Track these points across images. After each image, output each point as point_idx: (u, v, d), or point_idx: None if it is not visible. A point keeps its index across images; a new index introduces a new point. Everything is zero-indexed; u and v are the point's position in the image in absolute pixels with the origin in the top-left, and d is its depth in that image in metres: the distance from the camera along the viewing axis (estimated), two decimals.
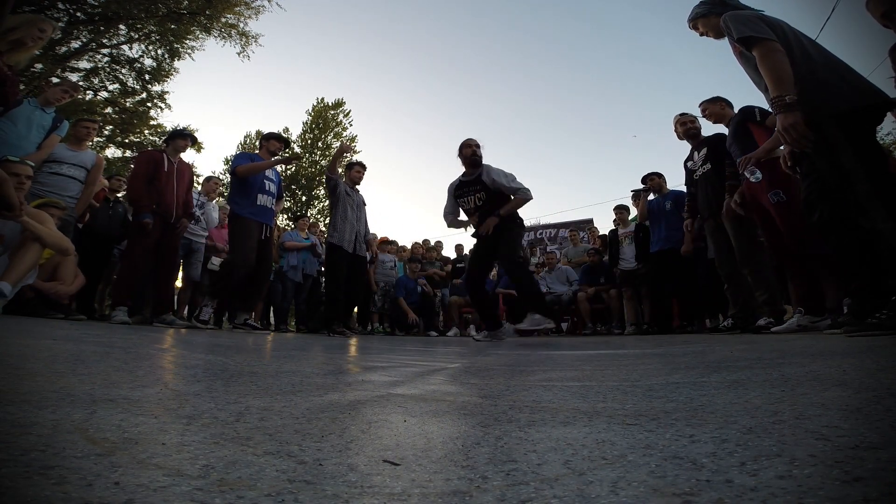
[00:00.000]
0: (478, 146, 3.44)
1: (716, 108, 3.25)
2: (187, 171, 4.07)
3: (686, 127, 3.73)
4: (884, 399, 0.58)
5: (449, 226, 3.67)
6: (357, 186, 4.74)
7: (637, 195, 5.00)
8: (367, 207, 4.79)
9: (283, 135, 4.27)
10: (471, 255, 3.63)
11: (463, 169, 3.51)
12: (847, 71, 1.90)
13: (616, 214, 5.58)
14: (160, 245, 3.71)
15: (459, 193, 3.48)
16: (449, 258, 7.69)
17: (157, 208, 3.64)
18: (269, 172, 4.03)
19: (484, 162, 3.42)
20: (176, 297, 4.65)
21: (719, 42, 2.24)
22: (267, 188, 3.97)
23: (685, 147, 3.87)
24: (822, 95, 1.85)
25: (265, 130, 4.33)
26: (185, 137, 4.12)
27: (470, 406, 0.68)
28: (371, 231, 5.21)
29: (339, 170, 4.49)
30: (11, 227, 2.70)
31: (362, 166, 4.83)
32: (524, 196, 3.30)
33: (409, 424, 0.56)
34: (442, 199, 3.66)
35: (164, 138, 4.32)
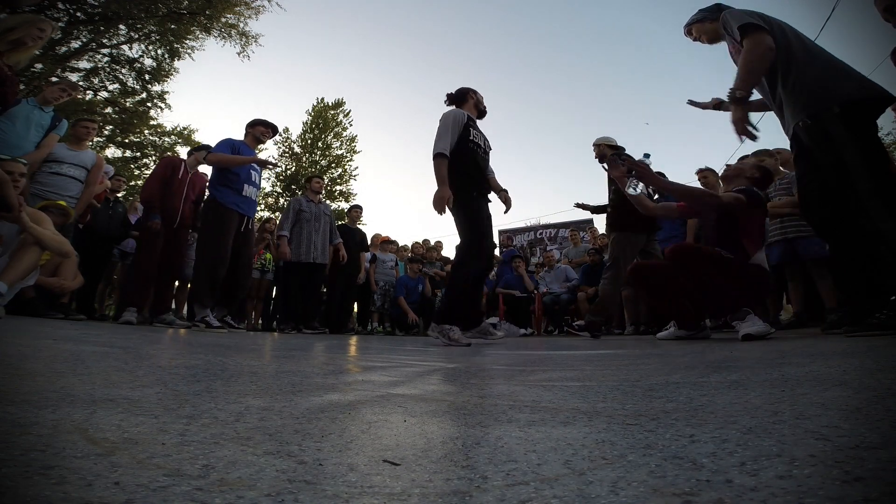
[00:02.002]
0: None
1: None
2: (199, 182, 4.08)
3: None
4: (884, 399, 0.58)
5: (443, 164, 2.64)
6: (319, 196, 4.93)
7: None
8: (328, 217, 4.87)
9: (271, 121, 4.06)
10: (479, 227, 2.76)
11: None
12: (848, 68, 1.91)
13: None
14: (165, 247, 3.74)
15: (474, 125, 2.88)
16: (449, 258, 7.70)
17: (162, 211, 3.68)
18: None
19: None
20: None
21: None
22: (253, 179, 3.85)
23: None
24: (824, 89, 1.86)
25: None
26: (202, 150, 4.14)
27: (470, 406, 0.68)
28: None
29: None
30: (10, 228, 2.69)
31: (320, 178, 5.18)
32: None
33: (409, 424, 0.56)
34: None
35: (190, 148, 4.60)
